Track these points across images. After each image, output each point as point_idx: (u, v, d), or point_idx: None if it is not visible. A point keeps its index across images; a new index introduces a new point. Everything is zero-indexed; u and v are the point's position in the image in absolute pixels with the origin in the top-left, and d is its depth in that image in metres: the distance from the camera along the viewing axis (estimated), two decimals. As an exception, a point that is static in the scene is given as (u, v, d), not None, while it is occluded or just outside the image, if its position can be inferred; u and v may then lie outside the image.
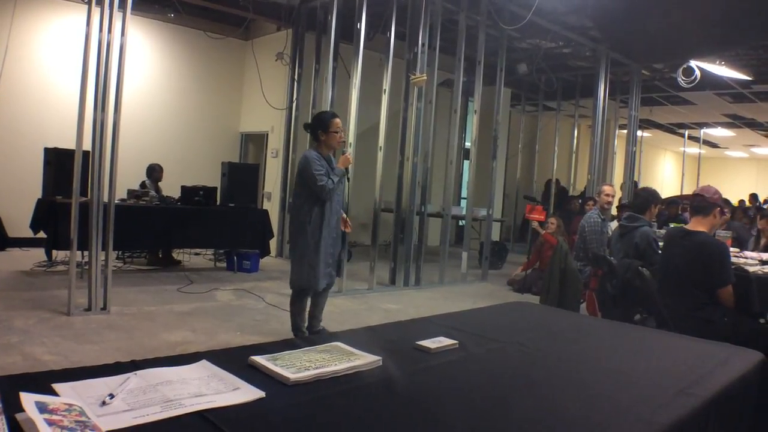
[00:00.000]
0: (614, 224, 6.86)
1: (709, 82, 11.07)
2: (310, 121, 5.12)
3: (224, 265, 8.81)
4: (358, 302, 7.22)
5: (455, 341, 2.11)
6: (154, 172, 8.84)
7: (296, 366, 1.72)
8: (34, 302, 5.89)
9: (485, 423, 1.52)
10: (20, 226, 8.04)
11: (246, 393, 1.52)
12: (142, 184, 8.61)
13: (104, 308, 5.75)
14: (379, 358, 1.86)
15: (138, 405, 1.40)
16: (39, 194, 7.40)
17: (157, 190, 8.74)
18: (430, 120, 8.83)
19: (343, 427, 1.43)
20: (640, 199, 5.40)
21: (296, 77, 10.20)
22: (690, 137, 18.66)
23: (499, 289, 8.96)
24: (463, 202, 11.78)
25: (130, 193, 8.06)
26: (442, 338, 2.13)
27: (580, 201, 10.57)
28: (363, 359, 1.84)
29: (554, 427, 1.53)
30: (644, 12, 7.02)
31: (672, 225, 6.88)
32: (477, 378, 1.88)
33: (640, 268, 4.63)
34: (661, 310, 4.37)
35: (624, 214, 5.45)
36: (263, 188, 10.71)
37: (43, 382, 1.46)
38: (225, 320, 5.89)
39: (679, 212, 8.92)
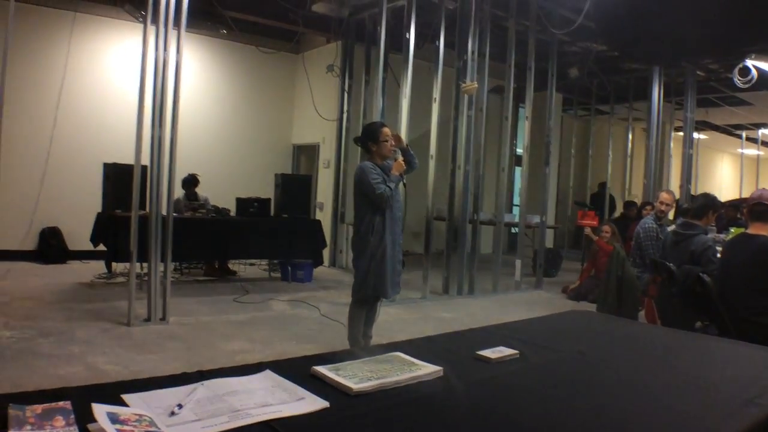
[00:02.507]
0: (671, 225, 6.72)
1: (766, 81, 10.75)
2: (360, 133, 5.12)
3: (279, 275, 8.90)
4: (412, 311, 7.21)
5: (516, 351, 2.09)
6: (189, 183, 8.77)
7: (358, 376, 1.72)
8: (95, 313, 6.06)
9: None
10: (80, 239, 8.29)
11: (311, 403, 1.53)
12: (177, 201, 8.53)
13: (163, 318, 5.88)
14: (440, 368, 1.85)
15: (206, 415, 1.42)
16: (99, 208, 7.62)
17: (196, 199, 8.78)
18: (481, 127, 8.79)
19: (409, 437, 1.43)
20: (698, 204, 5.24)
21: (346, 88, 10.29)
22: (748, 138, 18.14)
23: (554, 297, 8.83)
24: (516, 209, 11.68)
25: (175, 205, 8.15)
26: (502, 348, 2.10)
27: (636, 207, 10.37)
28: (424, 369, 1.83)
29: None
30: (647, 12, 6.91)
31: (732, 229, 6.69)
32: (540, 388, 1.85)
33: (700, 274, 4.51)
34: (722, 317, 4.25)
35: (678, 220, 5.31)
36: (316, 198, 10.80)
37: (112, 392, 1.50)
38: (281, 330, 5.95)
39: (739, 216, 8.66)
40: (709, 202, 5.22)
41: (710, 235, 5.52)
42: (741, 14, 6.51)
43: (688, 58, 10.22)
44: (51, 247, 9.05)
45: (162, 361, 4.72)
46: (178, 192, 8.41)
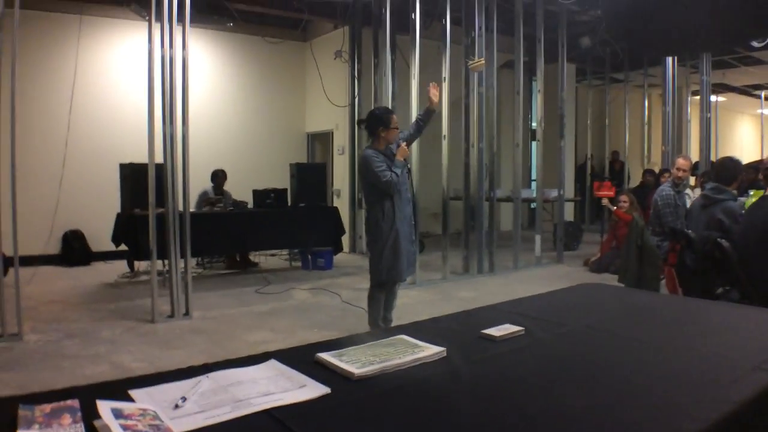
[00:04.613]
0: (690, 192, 6.64)
1: (782, 39, 10.53)
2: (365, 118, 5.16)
3: (299, 264, 8.96)
4: (433, 292, 7.23)
5: (521, 328, 2.09)
6: (217, 177, 9.00)
7: (361, 361, 1.74)
8: (119, 312, 6.15)
9: (552, 409, 1.50)
10: (102, 240, 8.39)
11: (312, 390, 1.55)
12: (204, 194, 8.73)
13: (186, 314, 5.95)
14: (443, 349, 1.86)
15: (209, 406, 1.45)
16: (118, 208, 7.70)
17: (222, 194, 8.90)
18: (493, 104, 8.72)
19: (408, 419, 1.44)
20: (727, 170, 5.12)
21: (356, 73, 10.27)
22: (767, 98, 17.81)
23: (575, 270, 8.80)
24: (534, 185, 11.62)
25: (201, 197, 8.32)
26: (507, 325, 2.11)
27: (654, 175, 10.28)
28: (427, 351, 1.84)
29: (624, 408, 1.50)
30: (654, 4, 6.83)
31: (752, 192, 6.60)
32: (543, 364, 1.85)
33: (718, 239, 4.47)
34: (743, 281, 4.22)
35: (709, 184, 5.21)
36: (332, 186, 10.83)
37: (120, 389, 1.53)
38: (303, 318, 6.00)
39: (760, 178, 8.53)
40: (737, 166, 5.13)
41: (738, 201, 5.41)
42: (752, 5, 6.42)
43: (697, 51, 10.12)
44: (74, 249, 9.18)
45: (187, 355, 4.78)
46: (203, 185, 8.56)
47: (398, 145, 4.82)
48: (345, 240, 9.42)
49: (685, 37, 7.01)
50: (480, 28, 8.27)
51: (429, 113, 5.16)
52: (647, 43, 8.46)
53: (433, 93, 5.17)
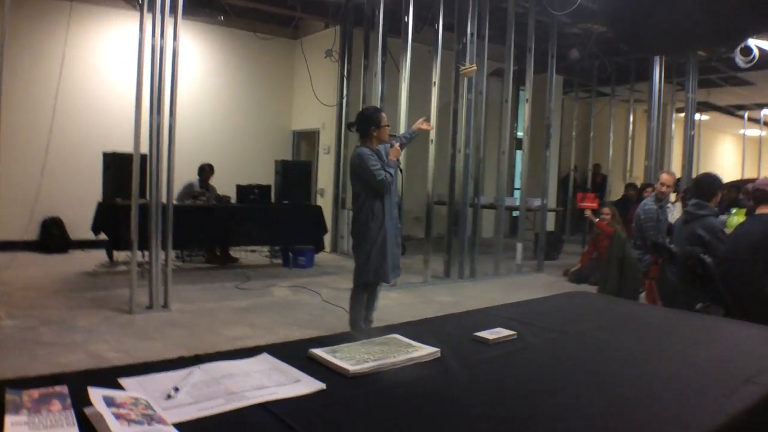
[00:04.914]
0: (671, 206, 6.68)
1: (768, 61, 10.69)
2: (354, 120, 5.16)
3: (280, 261, 8.91)
4: (413, 295, 7.22)
5: (513, 332, 2.09)
6: (204, 171, 8.92)
7: (355, 358, 1.73)
8: (97, 302, 6.07)
9: (546, 414, 1.49)
10: (81, 228, 8.26)
11: (307, 385, 1.53)
12: (189, 185, 8.66)
13: (165, 306, 5.89)
14: (438, 349, 1.85)
15: (202, 398, 1.42)
16: (99, 197, 7.60)
17: (207, 188, 8.83)
18: (481, 111, 8.74)
19: (404, 418, 1.43)
20: (706, 185, 5.15)
21: (346, 74, 10.24)
22: (750, 119, 18.04)
23: (555, 280, 8.84)
24: (517, 193, 11.66)
25: (186, 188, 8.25)
26: (500, 329, 2.10)
27: (637, 189, 10.36)
28: (421, 351, 1.83)
29: (616, 417, 1.49)
30: (649, 4, 6.92)
31: (734, 210, 6.68)
32: (536, 368, 1.85)
33: (701, 255, 4.50)
34: (724, 297, 4.25)
35: (691, 200, 5.26)
36: (316, 185, 10.79)
37: (109, 377, 1.50)
38: (282, 315, 5.97)
39: (740, 197, 8.65)
40: (714, 181, 5.17)
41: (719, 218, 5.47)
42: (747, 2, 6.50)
43: (695, 48, 10.25)
44: (53, 236, 9.05)
45: (164, 347, 4.73)
46: (186, 177, 8.46)
47: (391, 145, 4.81)
48: (327, 239, 9.38)
49: (679, 35, 7.08)
50: (471, 35, 8.29)
51: (413, 135, 5.28)
52: (643, 43, 8.55)
53: (424, 126, 5.36)
